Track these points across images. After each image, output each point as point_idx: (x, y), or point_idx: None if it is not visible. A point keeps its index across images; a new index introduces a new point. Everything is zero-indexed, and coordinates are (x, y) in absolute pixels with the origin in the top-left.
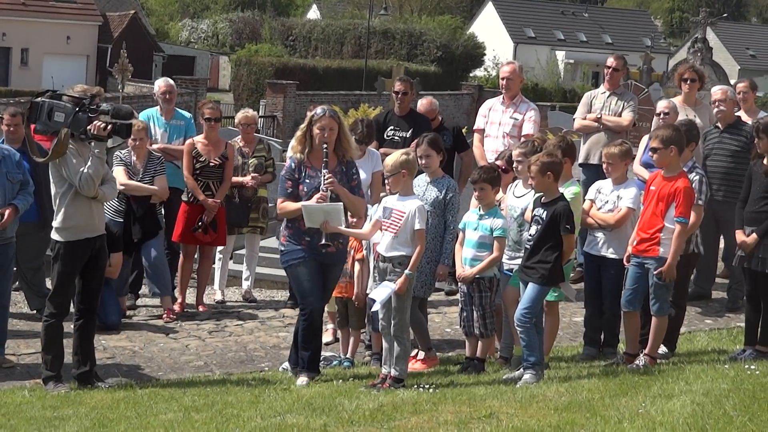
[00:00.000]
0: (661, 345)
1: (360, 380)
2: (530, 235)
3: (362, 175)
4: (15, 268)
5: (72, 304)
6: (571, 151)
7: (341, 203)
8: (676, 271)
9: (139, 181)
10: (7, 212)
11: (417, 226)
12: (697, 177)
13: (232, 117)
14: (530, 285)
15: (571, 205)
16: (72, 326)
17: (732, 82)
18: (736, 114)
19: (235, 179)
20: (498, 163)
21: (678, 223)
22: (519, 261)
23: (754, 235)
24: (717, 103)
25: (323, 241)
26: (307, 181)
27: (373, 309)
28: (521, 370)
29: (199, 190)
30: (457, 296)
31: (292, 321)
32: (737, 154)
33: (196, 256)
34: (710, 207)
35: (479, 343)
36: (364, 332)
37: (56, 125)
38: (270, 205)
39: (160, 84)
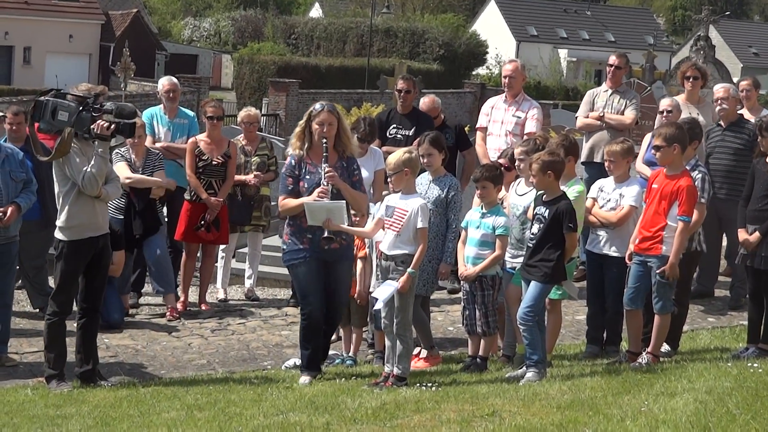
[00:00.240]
0: (664, 343)
1: (362, 378)
2: (532, 233)
3: (364, 173)
4: (18, 267)
5: (75, 303)
6: (575, 150)
7: (344, 201)
8: (678, 269)
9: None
10: (9, 210)
11: (419, 225)
12: (700, 175)
13: (234, 115)
14: (533, 283)
15: (575, 204)
16: (75, 325)
17: (735, 80)
18: (738, 112)
19: (237, 178)
20: (501, 161)
21: (680, 221)
22: (521, 259)
23: (757, 234)
24: (719, 101)
25: (326, 235)
26: (308, 177)
27: (376, 307)
28: (524, 368)
29: (202, 189)
30: (460, 294)
31: (294, 319)
32: (740, 152)
33: (198, 254)
34: (713, 205)
35: (482, 341)
36: (367, 330)
37: (60, 124)
38: (272, 203)
39: (164, 82)
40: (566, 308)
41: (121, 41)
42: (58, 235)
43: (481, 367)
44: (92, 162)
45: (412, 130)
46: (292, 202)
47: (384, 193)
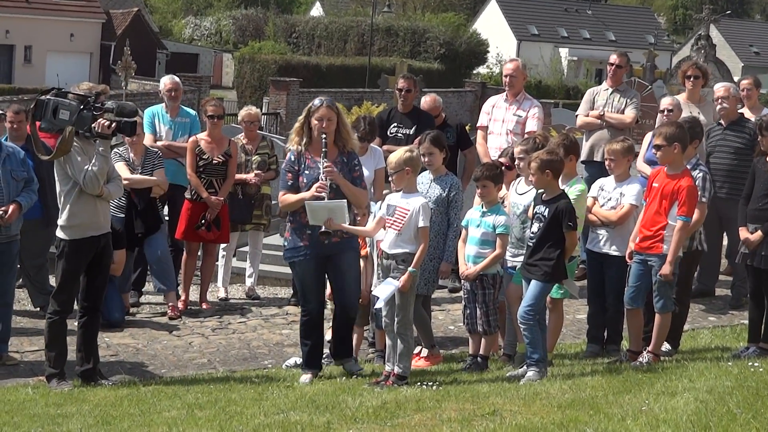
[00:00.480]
0: (665, 342)
1: (363, 377)
2: (532, 232)
3: (365, 172)
4: (18, 266)
5: (76, 302)
6: (575, 149)
7: (345, 200)
8: (678, 268)
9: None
10: (10, 209)
11: (421, 224)
12: (701, 174)
13: (235, 114)
14: (533, 282)
15: (577, 203)
16: (75, 323)
17: (735, 79)
18: (739, 111)
19: (238, 176)
20: (501, 160)
21: (679, 220)
22: (522, 258)
23: (759, 233)
24: (720, 100)
25: (323, 229)
26: (307, 172)
27: (377, 306)
28: (524, 367)
29: (202, 188)
30: (461, 293)
31: (295, 318)
32: (740, 151)
33: (199, 253)
34: (714, 204)
35: (482, 340)
36: (368, 329)
37: (61, 123)
38: (273, 202)
39: (166, 81)
40: (567, 307)
41: (122, 40)
42: (59, 234)
43: (482, 366)
44: (93, 161)
45: (413, 129)
46: (292, 197)
47: (385, 192)
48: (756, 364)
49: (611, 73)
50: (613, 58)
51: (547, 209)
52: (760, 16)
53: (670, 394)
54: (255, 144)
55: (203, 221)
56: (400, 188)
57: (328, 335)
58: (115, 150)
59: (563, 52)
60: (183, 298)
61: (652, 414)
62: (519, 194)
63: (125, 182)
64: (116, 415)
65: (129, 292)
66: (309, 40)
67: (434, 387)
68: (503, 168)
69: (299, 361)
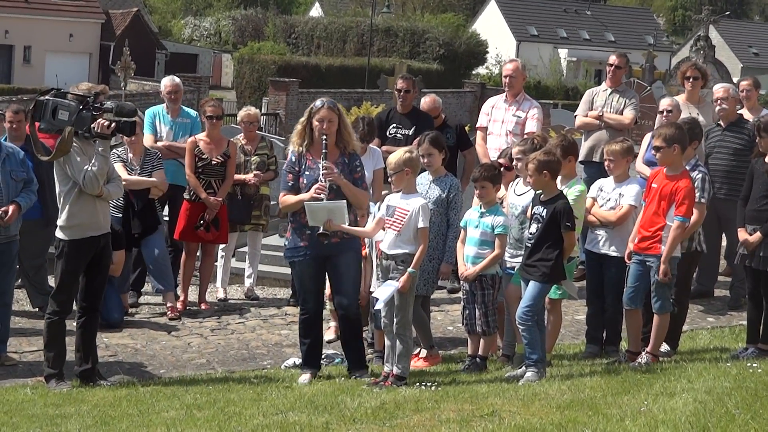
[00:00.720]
0: (664, 343)
1: (362, 378)
2: (530, 233)
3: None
4: (17, 266)
5: (75, 302)
6: (574, 150)
7: (344, 201)
8: (677, 269)
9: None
10: (10, 209)
11: (420, 225)
12: (700, 175)
13: (234, 115)
14: (531, 283)
15: (576, 204)
16: (74, 324)
17: (735, 80)
18: (738, 112)
19: (237, 177)
20: (500, 161)
21: (676, 220)
22: (521, 259)
23: (758, 234)
24: (719, 101)
25: (320, 231)
26: (307, 173)
27: (376, 307)
28: (523, 368)
29: (201, 188)
30: (460, 294)
31: (294, 319)
32: (739, 152)
33: (198, 253)
34: (712, 205)
35: (481, 340)
36: (367, 330)
37: (60, 123)
38: (272, 202)
39: (166, 83)
40: (566, 308)
41: (122, 40)
42: (59, 234)
43: (481, 366)
44: (93, 161)
45: (412, 129)
46: (291, 198)
47: (384, 192)
48: (754, 365)
49: (610, 73)
50: (612, 58)
51: (545, 210)
52: (759, 16)
53: (668, 394)
54: (254, 144)
55: (202, 222)
56: (399, 189)
57: (327, 335)
58: (114, 150)
59: (562, 52)
60: (182, 298)
61: (650, 415)
62: (517, 195)
63: (122, 183)
64: (115, 415)
65: (128, 292)
66: (308, 41)
67: (433, 387)
68: (502, 169)
69: (298, 361)
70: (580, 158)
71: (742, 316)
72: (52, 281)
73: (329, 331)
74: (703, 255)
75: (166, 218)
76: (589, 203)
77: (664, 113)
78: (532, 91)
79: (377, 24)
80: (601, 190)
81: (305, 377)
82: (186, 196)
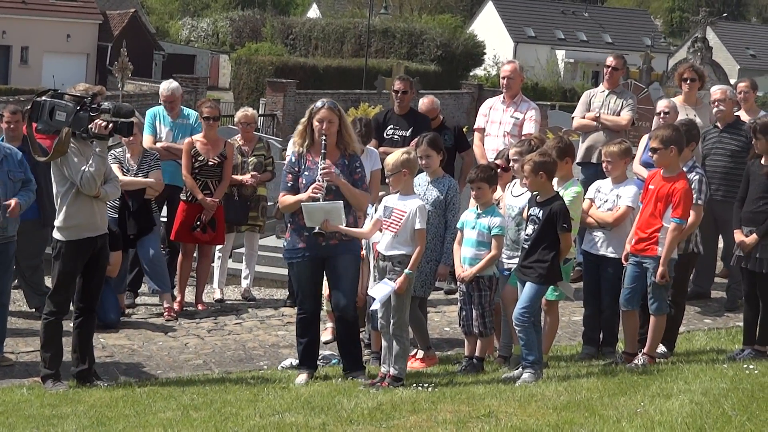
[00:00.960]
0: (660, 344)
1: (359, 379)
2: (527, 234)
3: None
4: (14, 267)
5: (71, 303)
6: (571, 151)
7: (341, 202)
8: (675, 270)
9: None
10: (13, 202)
11: (417, 226)
12: (697, 177)
13: (231, 116)
14: (528, 284)
15: (572, 205)
16: (71, 324)
17: (732, 81)
18: (735, 114)
19: (234, 178)
20: (498, 162)
21: (672, 222)
22: (517, 260)
23: (754, 236)
24: (716, 103)
25: (316, 230)
26: (307, 173)
27: (373, 308)
28: (520, 369)
29: (198, 189)
30: (456, 295)
31: (291, 320)
32: (736, 153)
33: (195, 254)
34: (709, 206)
35: (478, 342)
36: (364, 331)
37: (58, 124)
38: (269, 203)
39: (163, 92)
40: (563, 309)
41: (119, 41)
42: (56, 235)
43: (478, 367)
44: (90, 162)
45: (409, 130)
46: (290, 198)
47: (381, 193)
48: (751, 367)
49: (608, 75)
50: (610, 60)
51: (542, 211)
52: (756, 18)
53: (665, 396)
54: (251, 145)
55: (198, 222)
56: (397, 190)
57: (324, 336)
58: (111, 151)
59: (560, 54)
60: (179, 299)
61: (647, 416)
62: (514, 196)
63: None
64: (111, 416)
65: (125, 293)
66: (306, 42)
67: (430, 388)
68: (499, 170)
69: (295, 362)
70: (578, 159)
71: (738, 318)
72: (49, 282)
73: (326, 332)
74: (699, 256)
75: (164, 219)
76: (587, 204)
77: (662, 115)
78: (529, 93)
79: (375, 25)
80: (599, 192)
81: (302, 378)
82: (183, 197)
